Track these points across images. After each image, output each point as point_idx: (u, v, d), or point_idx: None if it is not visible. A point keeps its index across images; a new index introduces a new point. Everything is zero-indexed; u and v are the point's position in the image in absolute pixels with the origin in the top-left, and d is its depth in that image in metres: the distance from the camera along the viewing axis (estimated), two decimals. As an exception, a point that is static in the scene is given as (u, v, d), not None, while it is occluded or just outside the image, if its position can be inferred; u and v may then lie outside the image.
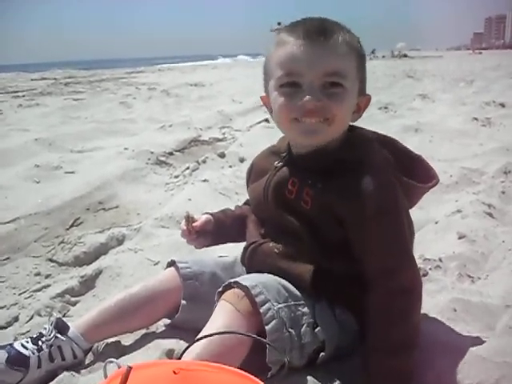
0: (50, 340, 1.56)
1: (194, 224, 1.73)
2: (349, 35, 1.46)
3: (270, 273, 1.50)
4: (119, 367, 0.98)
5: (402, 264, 1.39)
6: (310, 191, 1.45)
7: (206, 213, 1.80)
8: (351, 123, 1.55)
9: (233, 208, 1.90)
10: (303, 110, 1.40)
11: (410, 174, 1.51)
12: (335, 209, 1.41)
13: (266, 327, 1.32)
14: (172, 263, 1.75)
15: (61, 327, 1.59)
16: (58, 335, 1.57)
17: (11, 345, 1.54)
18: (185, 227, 1.73)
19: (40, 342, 1.55)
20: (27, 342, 1.55)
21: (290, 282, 1.47)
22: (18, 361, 1.50)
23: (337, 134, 1.48)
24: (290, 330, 1.36)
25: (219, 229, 1.77)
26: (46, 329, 1.59)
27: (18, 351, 1.51)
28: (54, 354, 1.55)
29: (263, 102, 1.63)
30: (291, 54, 1.43)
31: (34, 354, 1.52)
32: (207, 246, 1.82)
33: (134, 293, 1.67)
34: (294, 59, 1.42)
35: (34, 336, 1.58)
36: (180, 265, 1.70)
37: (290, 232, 1.50)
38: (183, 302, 1.66)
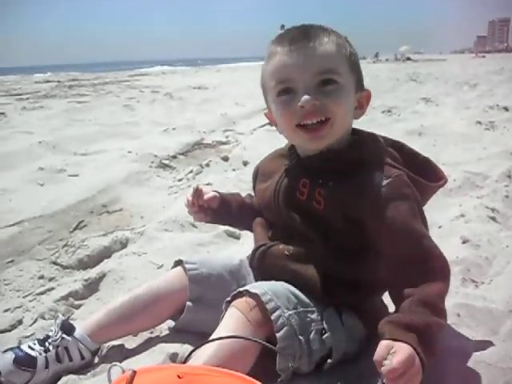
0: (56, 341, 1.56)
1: (199, 197, 1.77)
2: (334, 34, 1.49)
3: (280, 275, 1.50)
4: (123, 371, 0.99)
5: (429, 250, 1.38)
6: (321, 191, 1.46)
7: (215, 191, 1.84)
8: (356, 120, 1.57)
9: (244, 195, 1.93)
10: (302, 112, 1.42)
11: (418, 174, 1.52)
12: (349, 207, 1.41)
13: (277, 334, 1.32)
14: (179, 262, 1.75)
15: (67, 328, 1.59)
16: (64, 336, 1.57)
17: (18, 347, 1.55)
18: (190, 198, 1.77)
19: (47, 344, 1.56)
20: (34, 343, 1.56)
21: (300, 284, 1.48)
22: (25, 361, 1.50)
23: (341, 133, 1.48)
24: (299, 336, 1.36)
25: (222, 209, 1.81)
26: (52, 330, 1.60)
27: (26, 352, 1.52)
28: (61, 354, 1.56)
29: (267, 117, 1.65)
30: (280, 62, 1.46)
31: (40, 354, 1.53)
32: (206, 222, 1.88)
33: (139, 293, 1.67)
34: (283, 67, 1.45)
35: (41, 338, 1.59)
36: (188, 266, 1.70)
37: (301, 234, 1.51)
38: (189, 303, 1.66)
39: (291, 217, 1.53)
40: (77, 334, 1.59)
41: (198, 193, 1.77)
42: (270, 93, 1.52)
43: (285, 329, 1.33)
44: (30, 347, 1.54)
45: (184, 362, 1.18)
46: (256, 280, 1.64)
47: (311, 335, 1.39)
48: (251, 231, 1.76)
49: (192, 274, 1.68)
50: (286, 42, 1.46)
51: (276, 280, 1.50)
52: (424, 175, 1.54)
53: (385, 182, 1.39)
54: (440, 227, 2.67)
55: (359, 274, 1.45)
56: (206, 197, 1.79)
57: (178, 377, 0.95)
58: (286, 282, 1.49)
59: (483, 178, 3.61)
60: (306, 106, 1.40)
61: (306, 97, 1.40)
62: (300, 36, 1.45)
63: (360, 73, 1.56)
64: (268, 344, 1.26)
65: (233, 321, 1.33)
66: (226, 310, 1.38)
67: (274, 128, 1.65)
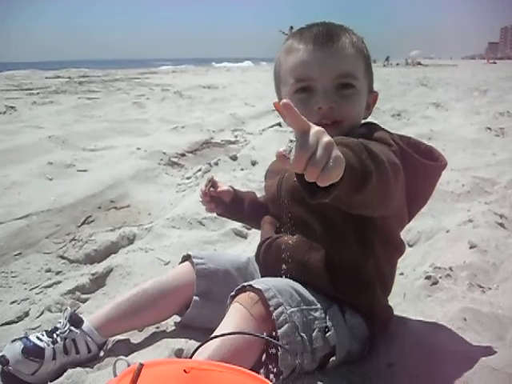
0: (64, 333, 1.57)
1: (212, 188, 1.80)
2: (354, 36, 1.53)
3: (285, 266, 1.51)
4: (129, 365, 0.99)
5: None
6: None
7: (230, 186, 1.86)
8: (364, 121, 1.59)
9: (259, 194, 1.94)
10: (319, 113, 1.43)
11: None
12: None
13: (279, 331, 1.32)
14: (187, 257, 1.77)
15: (75, 321, 1.60)
16: (72, 328, 1.58)
17: (27, 337, 1.56)
18: (203, 188, 1.81)
19: (55, 335, 1.57)
20: (42, 335, 1.57)
21: (305, 274, 1.48)
22: (33, 352, 1.51)
23: (349, 131, 1.46)
24: (301, 334, 1.36)
25: (234, 204, 1.83)
26: (60, 322, 1.61)
27: (34, 343, 1.53)
28: (69, 346, 1.57)
29: (276, 107, 1.66)
30: (302, 60, 1.48)
31: (48, 346, 1.54)
32: (218, 214, 1.89)
33: (147, 288, 1.69)
34: (305, 65, 1.48)
35: (49, 329, 1.60)
36: (195, 260, 1.71)
37: (303, 223, 1.52)
38: (195, 297, 1.67)
39: (291, 205, 1.54)
40: (85, 326, 1.60)
41: (211, 183, 1.80)
42: (285, 86, 1.53)
43: (286, 325, 1.33)
44: (38, 338, 1.56)
45: (190, 358, 1.18)
46: (262, 275, 1.65)
47: (314, 333, 1.39)
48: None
49: (199, 269, 1.70)
50: (309, 40, 1.48)
51: (282, 273, 1.50)
52: (425, 159, 1.54)
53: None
54: (448, 232, 2.66)
55: (361, 263, 1.47)
56: (219, 189, 1.81)
57: (185, 371, 0.95)
58: (291, 273, 1.49)
59: (492, 183, 3.60)
60: (324, 108, 1.44)
61: (323, 101, 1.43)
62: (324, 36, 1.48)
63: (372, 75, 1.59)
64: (271, 339, 1.26)
65: (236, 315, 1.33)
66: (230, 305, 1.38)
67: (282, 128, 1.66)
